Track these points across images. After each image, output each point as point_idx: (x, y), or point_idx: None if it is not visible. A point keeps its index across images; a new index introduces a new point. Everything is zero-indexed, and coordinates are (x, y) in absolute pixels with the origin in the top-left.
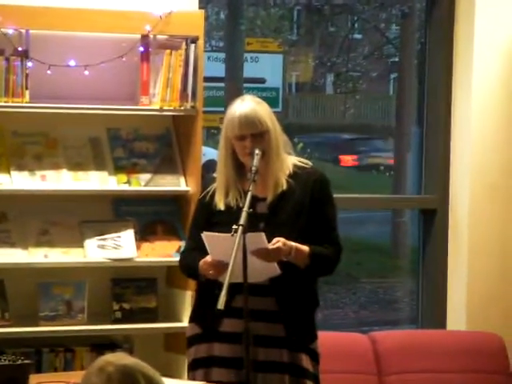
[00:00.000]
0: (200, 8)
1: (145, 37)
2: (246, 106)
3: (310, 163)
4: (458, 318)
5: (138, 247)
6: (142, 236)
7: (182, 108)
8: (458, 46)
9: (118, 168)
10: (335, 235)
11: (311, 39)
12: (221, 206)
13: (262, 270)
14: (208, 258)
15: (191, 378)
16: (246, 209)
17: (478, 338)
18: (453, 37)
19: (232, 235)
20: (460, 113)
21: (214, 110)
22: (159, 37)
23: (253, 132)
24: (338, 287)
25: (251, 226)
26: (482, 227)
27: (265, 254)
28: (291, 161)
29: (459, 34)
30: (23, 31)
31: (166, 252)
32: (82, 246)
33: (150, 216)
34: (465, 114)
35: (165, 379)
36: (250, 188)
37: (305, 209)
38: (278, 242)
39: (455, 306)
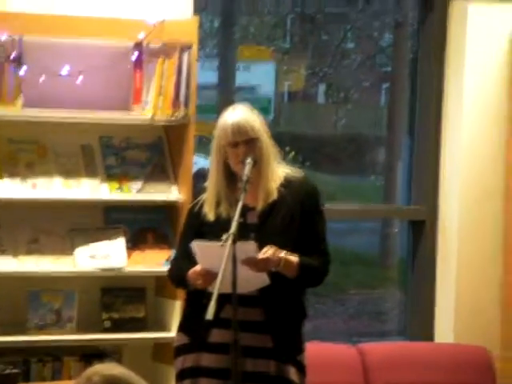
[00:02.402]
0: (194, 15)
1: (138, 44)
2: (237, 113)
3: (301, 173)
4: (445, 330)
5: (129, 256)
6: (133, 244)
7: (173, 118)
8: (450, 56)
9: (109, 176)
10: (324, 246)
11: (304, 47)
12: (211, 215)
13: (252, 280)
14: (197, 268)
15: None
16: (236, 218)
17: (466, 350)
18: (445, 47)
19: (222, 245)
20: (451, 123)
21: (207, 117)
22: (152, 44)
23: (246, 138)
24: (326, 298)
25: (242, 235)
26: (471, 239)
27: (255, 264)
28: (282, 170)
29: (451, 44)
30: (16, 38)
31: (156, 261)
32: (72, 255)
33: (141, 224)
34: (455, 125)
35: None
36: (241, 197)
37: (295, 219)
38: (269, 250)
39: (443, 318)
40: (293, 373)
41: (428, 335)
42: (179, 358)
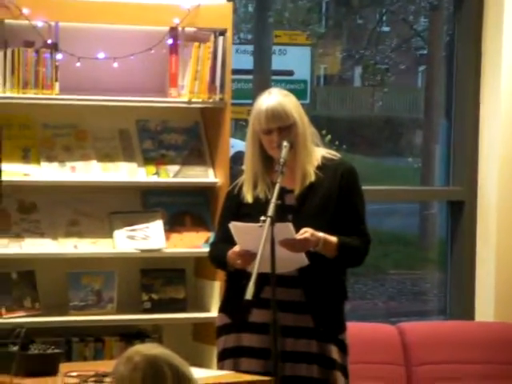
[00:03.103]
0: (228, 0)
1: (173, 29)
2: (272, 99)
3: (338, 155)
4: (486, 309)
5: (167, 238)
6: (171, 227)
7: (211, 100)
8: (487, 38)
9: (146, 159)
10: (364, 227)
11: (339, 31)
12: (249, 198)
13: (290, 261)
14: (236, 248)
15: (220, 367)
16: (274, 200)
17: (507, 328)
18: (481, 29)
19: (260, 226)
20: (489, 105)
21: (242, 102)
22: (187, 29)
23: (280, 125)
24: (365, 278)
25: (279, 217)
26: (510, 218)
27: (292, 245)
28: (320, 152)
29: (488, 27)
30: (53, 24)
31: (194, 243)
32: (111, 237)
33: (179, 207)
34: (493, 106)
35: (194, 369)
36: (278, 180)
37: (333, 200)
38: (306, 232)
39: (483, 298)
40: (335, 352)
41: (469, 315)
42: (221, 338)
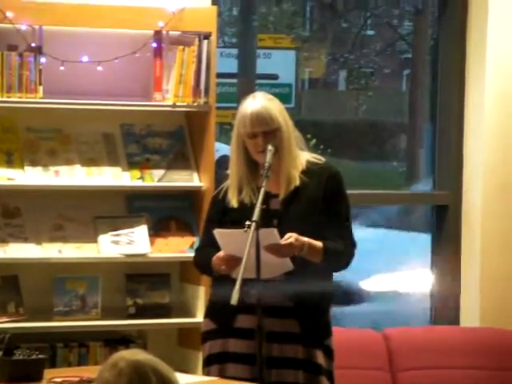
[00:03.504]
0: (213, 4)
1: (158, 33)
2: (257, 103)
3: (323, 159)
4: (471, 314)
5: (152, 243)
6: (156, 232)
7: (195, 104)
8: (471, 42)
9: (131, 164)
10: (349, 231)
11: (324, 35)
12: (234, 202)
13: (275, 266)
14: (220, 253)
15: (206, 373)
16: (259, 205)
17: (492, 334)
18: (466, 33)
19: (245, 231)
20: (473, 109)
21: (227, 105)
22: (172, 33)
23: (264, 129)
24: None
25: (264, 222)
26: (494, 223)
27: (277, 250)
28: (304, 157)
29: (472, 31)
30: (36, 27)
31: (179, 248)
32: (95, 242)
33: (164, 212)
34: (478, 110)
35: (179, 374)
36: (263, 184)
37: (318, 205)
38: (291, 237)
39: (468, 302)
40: (321, 357)
41: (454, 321)
42: (206, 344)
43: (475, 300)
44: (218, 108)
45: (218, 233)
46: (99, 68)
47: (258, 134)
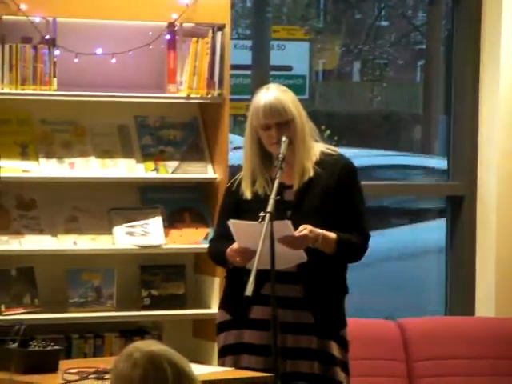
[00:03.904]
0: None
1: (171, 25)
2: (270, 94)
3: (337, 150)
4: (486, 304)
5: (166, 234)
6: (170, 223)
7: (209, 96)
8: (486, 33)
9: (145, 155)
10: (363, 222)
11: (338, 26)
12: (247, 194)
13: (289, 257)
14: (235, 245)
15: (221, 364)
16: (273, 196)
17: (508, 324)
18: (480, 23)
19: (259, 222)
20: (488, 99)
21: (241, 97)
22: (186, 25)
23: (278, 121)
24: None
25: (278, 213)
26: (510, 213)
27: (291, 242)
28: (318, 148)
29: (487, 21)
30: (50, 19)
31: (193, 239)
32: (110, 233)
33: (178, 203)
34: (492, 101)
35: (194, 365)
36: (277, 175)
37: (331, 196)
38: (305, 229)
39: (484, 293)
40: (335, 348)
41: (469, 311)
42: (221, 335)
43: (491, 290)
44: (231, 100)
45: (232, 224)
46: (113, 60)
47: (271, 125)
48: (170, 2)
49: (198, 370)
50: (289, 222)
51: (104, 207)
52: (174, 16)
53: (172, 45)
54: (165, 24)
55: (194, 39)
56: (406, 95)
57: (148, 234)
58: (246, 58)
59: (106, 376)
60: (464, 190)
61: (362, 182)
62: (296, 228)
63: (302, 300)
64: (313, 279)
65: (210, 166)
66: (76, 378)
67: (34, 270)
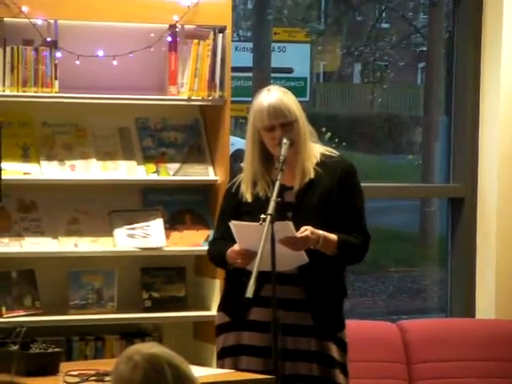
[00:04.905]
0: None
1: (173, 27)
2: (273, 96)
3: (336, 152)
4: (487, 306)
5: (167, 236)
6: (171, 225)
7: (210, 98)
8: (487, 35)
9: (146, 158)
10: (363, 224)
11: (338, 28)
12: (248, 196)
13: (290, 259)
14: (236, 247)
15: (220, 365)
16: (274, 198)
17: (508, 326)
18: (481, 26)
19: (260, 224)
20: (488, 101)
21: (242, 99)
22: (187, 27)
23: (282, 121)
24: (365, 276)
25: (279, 215)
26: (510, 216)
27: (293, 243)
28: (318, 149)
29: (487, 23)
30: (52, 22)
31: (194, 241)
32: (111, 235)
33: (179, 205)
34: (493, 103)
35: (194, 367)
36: (278, 177)
37: (332, 197)
38: (306, 230)
39: (484, 295)
40: (334, 350)
41: (469, 313)
42: (220, 337)
43: (491, 292)
44: (232, 102)
45: (233, 225)
46: (114, 62)
47: (275, 126)
48: (171, 4)
49: (199, 372)
50: (290, 223)
51: (105, 209)
52: (176, 18)
53: (173, 47)
54: (166, 26)
55: (196, 41)
56: (406, 97)
57: (149, 236)
58: (247, 60)
59: (107, 378)
60: (465, 192)
61: (362, 184)
62: (297, 229)
63: (302, 302)
64: (314, 281)
65: (211, 168)
66: (77, 380)
67: (34, 272)
